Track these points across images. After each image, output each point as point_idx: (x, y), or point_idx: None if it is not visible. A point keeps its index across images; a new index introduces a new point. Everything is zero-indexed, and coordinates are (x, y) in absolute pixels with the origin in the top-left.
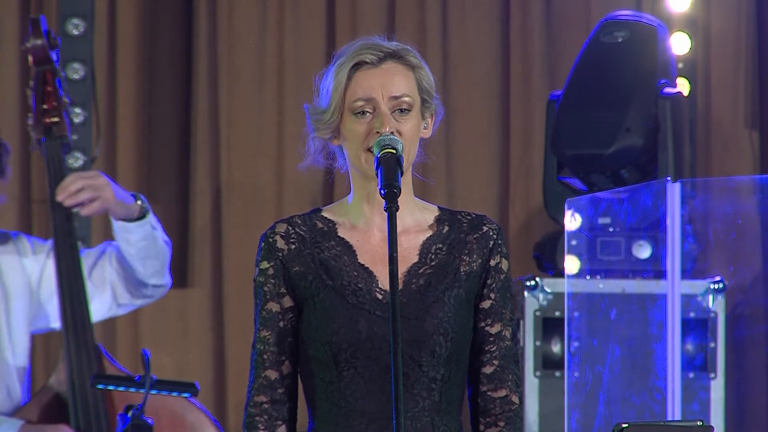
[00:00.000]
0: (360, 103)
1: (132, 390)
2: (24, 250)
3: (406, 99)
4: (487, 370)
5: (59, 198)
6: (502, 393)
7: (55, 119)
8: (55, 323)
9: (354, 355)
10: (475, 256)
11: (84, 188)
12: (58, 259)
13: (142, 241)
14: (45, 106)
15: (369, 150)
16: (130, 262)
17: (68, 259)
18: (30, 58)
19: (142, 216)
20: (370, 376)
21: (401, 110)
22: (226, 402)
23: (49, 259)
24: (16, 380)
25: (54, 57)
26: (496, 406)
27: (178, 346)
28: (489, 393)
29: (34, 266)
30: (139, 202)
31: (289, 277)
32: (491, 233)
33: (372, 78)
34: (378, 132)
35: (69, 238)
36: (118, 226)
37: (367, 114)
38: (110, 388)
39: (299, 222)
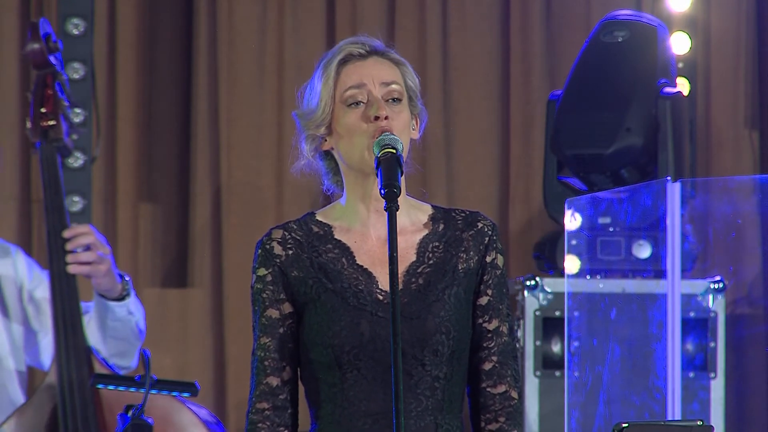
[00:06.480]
0: (352, 92)
1: (132, 390)
2: (21, 272)
3: (396, 87)
4: (486, 366)
5: (69, 246)
6: (502, 389)
7: (52, 123)
8: (45, 360)
9: (357, 357)
10: (471, 253)
11: (91, 247)
12: (51, 261)
13: (115, 322)
14: (43, 110)
15: (372, 139)
16: (93, 335)
17: (61, 260)
18: (30, 63)
19: (121, 297)
20: (373, 377)
21: (393, 99)
22: (226, 402)
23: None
24: (17, 386)
25: (54, 60)
26: (495, 402)
27: (178, 346)
28: (488, 389)
29: (25, 291)
30: (122, 284)
31: (288, 282)
32: (486, 229)
33: (361, 68)
34: (376, 117)
35: (63, 240)
36: (97, 300)
37: (361, 104)
38: (110, 387)
39: (295, 227)
